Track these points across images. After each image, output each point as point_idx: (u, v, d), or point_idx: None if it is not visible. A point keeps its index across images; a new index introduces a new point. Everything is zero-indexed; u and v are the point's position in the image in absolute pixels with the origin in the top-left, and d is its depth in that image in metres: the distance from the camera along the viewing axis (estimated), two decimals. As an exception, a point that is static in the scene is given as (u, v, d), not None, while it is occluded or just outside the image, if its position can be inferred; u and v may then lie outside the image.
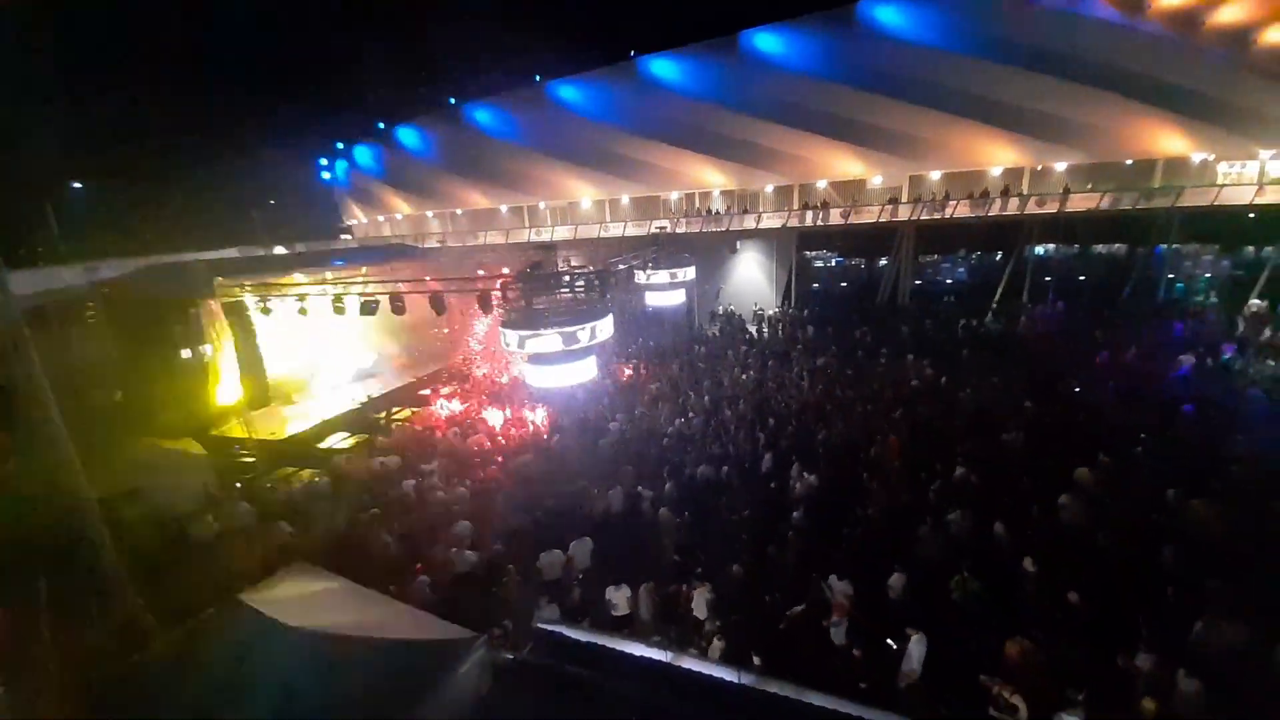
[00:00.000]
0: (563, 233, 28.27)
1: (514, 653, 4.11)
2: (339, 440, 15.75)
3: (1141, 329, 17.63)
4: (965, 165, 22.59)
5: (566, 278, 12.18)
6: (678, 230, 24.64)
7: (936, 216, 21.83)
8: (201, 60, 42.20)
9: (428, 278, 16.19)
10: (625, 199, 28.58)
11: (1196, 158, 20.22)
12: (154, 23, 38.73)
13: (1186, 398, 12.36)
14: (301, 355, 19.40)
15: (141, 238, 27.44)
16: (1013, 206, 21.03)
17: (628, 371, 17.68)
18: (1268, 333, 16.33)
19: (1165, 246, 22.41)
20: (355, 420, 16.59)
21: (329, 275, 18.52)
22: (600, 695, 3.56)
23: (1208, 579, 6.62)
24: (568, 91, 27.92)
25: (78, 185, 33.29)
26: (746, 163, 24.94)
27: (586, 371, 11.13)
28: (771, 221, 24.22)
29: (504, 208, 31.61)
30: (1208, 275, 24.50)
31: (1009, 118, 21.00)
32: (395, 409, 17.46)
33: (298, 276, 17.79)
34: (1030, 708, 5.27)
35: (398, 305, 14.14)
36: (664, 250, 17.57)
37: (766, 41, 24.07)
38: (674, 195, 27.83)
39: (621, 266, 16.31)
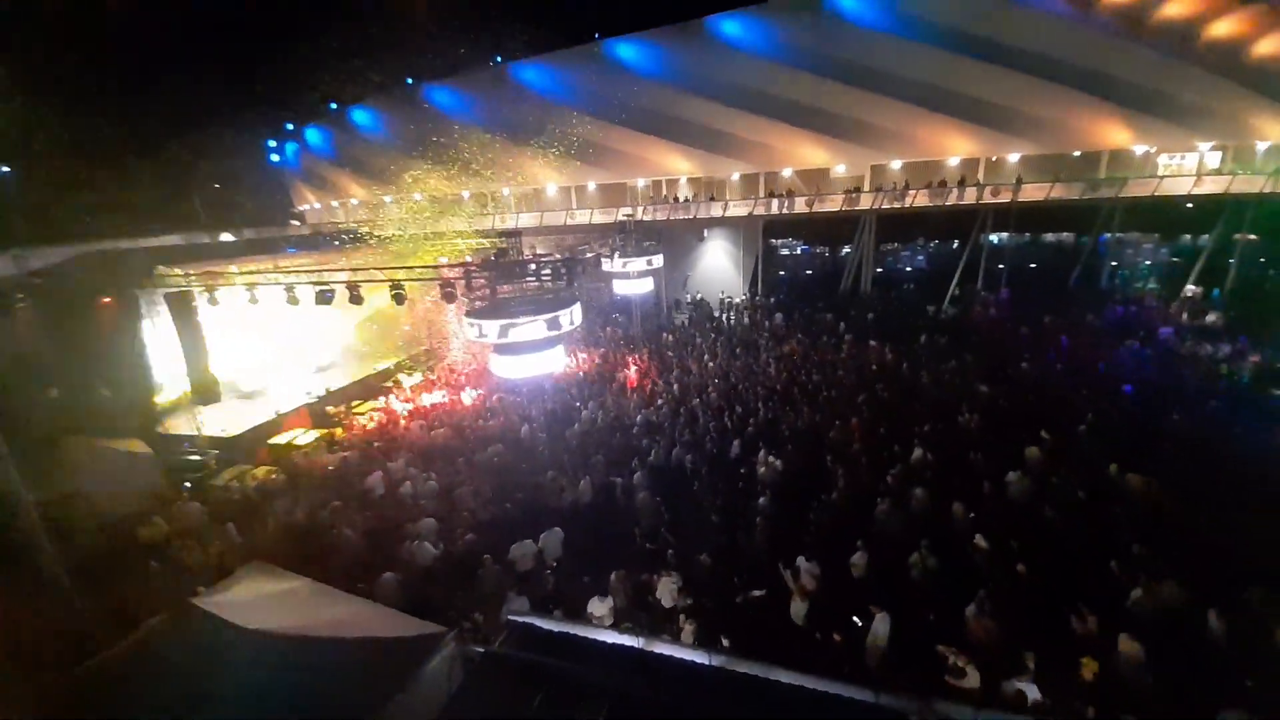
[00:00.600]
0: (528, 220, 27.79)
1: (485, 646, 4.06)
2: (296, 435, 15.22)
3: (1087, 314, 18.53)
4: (924, 155, 23.13)
5: (532, 266, 11.98)
6: (645, 218, 24.54)
7: (897, 205, 22.34)
8: (139, 33, 39.50)
9: (382, 267, 15.68)
10: (591, 185, 28.25)
11: (1139, 150, 21.19)
12: (83, -8, 36.03)
13: (1127, 378, 13.07)
14: (253, 347, 18.62)
15: (74, 224, 25.75)
16: (969, 196, 21.68)
17: (596, 361, 17.61)
18: (1202, 317, 17.38)
19: (1109, 235, 23.52)
20: (314, 414, 16.04)
21: (280, 263, 17.74)
22: (573, 684, 3.56)
23: (1144, 548, 7.06)
24: (530, 74, 27.30)
25: (4, 169, 30.96)
26: (713, 150, 24.94)
27: (554, 361, 11.02)
28: (738, 209, 24.36)
29: (465, 194, 30.84)
30: (1148, 263, 25.91)
31: (965, 109, 21.56)
32: (355, 402, 16.97)
33: (247, 265, 16.99)
34: (983, 672, 5.53)
35: (355, 295, 13.68)
36: (631, 238, 17.47)
37: (732, 27, 24.00)
38: (641, 182, 27.65)
39: (589, 254, 16.16)
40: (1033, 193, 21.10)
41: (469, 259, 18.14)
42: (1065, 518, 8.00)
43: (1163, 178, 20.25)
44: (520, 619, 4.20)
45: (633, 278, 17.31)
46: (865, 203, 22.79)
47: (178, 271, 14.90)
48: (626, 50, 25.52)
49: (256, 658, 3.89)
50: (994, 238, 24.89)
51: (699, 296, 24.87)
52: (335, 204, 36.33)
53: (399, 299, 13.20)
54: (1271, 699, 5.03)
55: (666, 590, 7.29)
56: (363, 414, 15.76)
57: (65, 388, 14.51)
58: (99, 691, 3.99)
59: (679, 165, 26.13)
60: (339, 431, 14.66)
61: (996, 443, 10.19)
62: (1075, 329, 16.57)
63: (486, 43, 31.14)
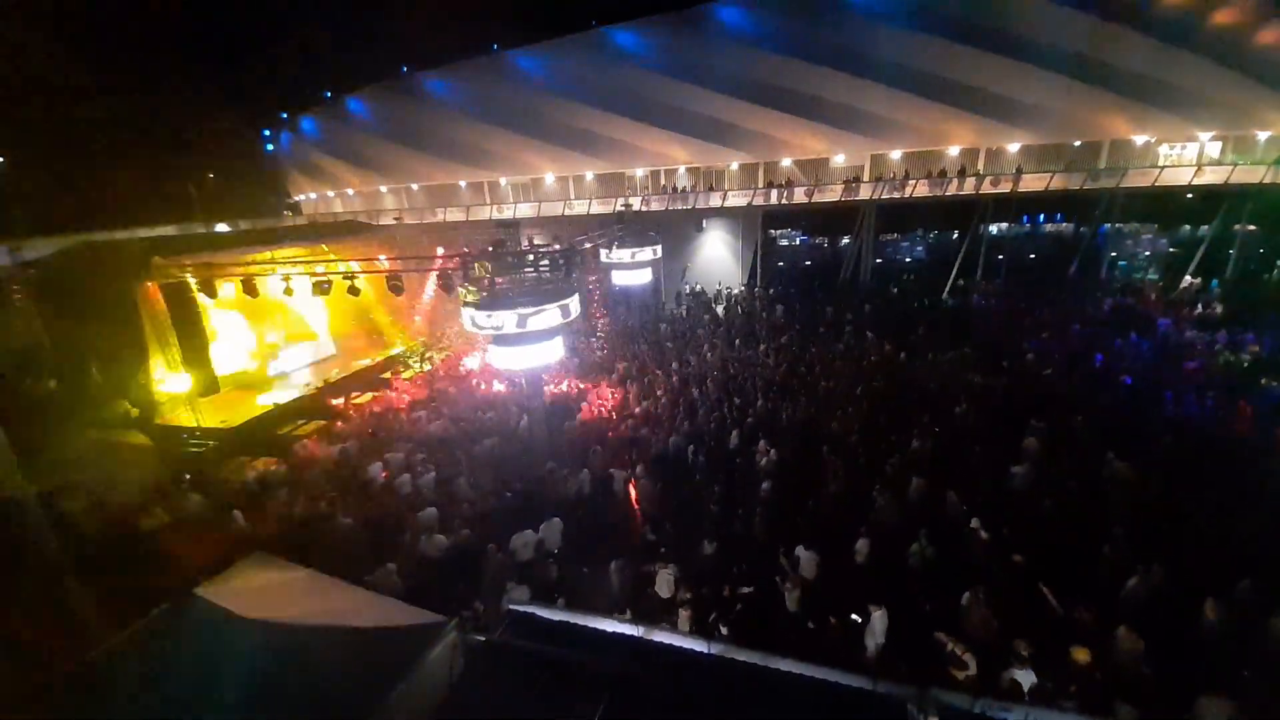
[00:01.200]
0: (525, 210, 27.65)
1: (485, 635, 4.09)
2: (296, 426, 15.24)
3: (1085, 304, 18.53)
4: (924, 144, 23.02)
5: (531, 257, 11.93)
6: (643, 208, 24.42)
7: (896, 195, 22.25)
8: (134, 22, 39.00)
9: (384, 257, 15.64)
10: (589, 175, 28.08)
11: (1139, 140, 21.10)
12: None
13: (1124, 369, 13.10)
14: (253, 339, 18.60)
15: (69, 215, 25.56)
16: (969, 186, 21.60)
17: (596, 352, 17.60)
18: (1200, 308, 17.38)
19: (1109, 225, 23.47)
20: (313, 406, 16.05)
21: (278, 254, 17.64)
22: (573, 672, 3.58)
23: (1138, 537, 7.11)
24: (527, 62, 27.02)
25: (-1, 159, 30.73)
26: (711, 139, 24.78)
27: (553, 352, 11.01)
28: (737, 199, 24.24)
29: (463, 183, 30.67)
30: (1147, 253, 25.88)
31: (965, 98, 21.43)
32: (355, 393, 16.97)
33: (243, 255, 16.88)
34: (980, 661, 5.59)
35: (353, 286, 13.65)
36: (630, 228, 17.39)
37: (731, 15, 23.75)
38: (639, 172, 27.49)
39: (587, 245, 16.09)
40: (1032, 183, 21.03)
41: (466, 250, 18.07)
42: (1062, 507, 8.05)
43: (1163, 168, 20.18)
44: (520, 608, 4.23)
45: (631, 268, 17.25)
46: (864, 193, 22.71)
47: (175, 262, 14.80)
48: (624, 38, 25.26)
49: (258, 647, 3.91)
50: (994, 228, 24.82)
51: (698, 287, 24.81)
52: (331, 194, 36.10)
53: (396, 290, 13.17)
54: (1264, 687, 5.10)
55: (664, 581, 7.34)
56: (362, 405, 15.76)
57: (64, 379, 14.49)
58: (101, 681, 4.01)
59: (677, 155, 25.99)
60: (340, 424, 14.67)
61: (994, 434, 10.23)
62: (1074, 320, 16.57)
63: (482, 31, 30.78)
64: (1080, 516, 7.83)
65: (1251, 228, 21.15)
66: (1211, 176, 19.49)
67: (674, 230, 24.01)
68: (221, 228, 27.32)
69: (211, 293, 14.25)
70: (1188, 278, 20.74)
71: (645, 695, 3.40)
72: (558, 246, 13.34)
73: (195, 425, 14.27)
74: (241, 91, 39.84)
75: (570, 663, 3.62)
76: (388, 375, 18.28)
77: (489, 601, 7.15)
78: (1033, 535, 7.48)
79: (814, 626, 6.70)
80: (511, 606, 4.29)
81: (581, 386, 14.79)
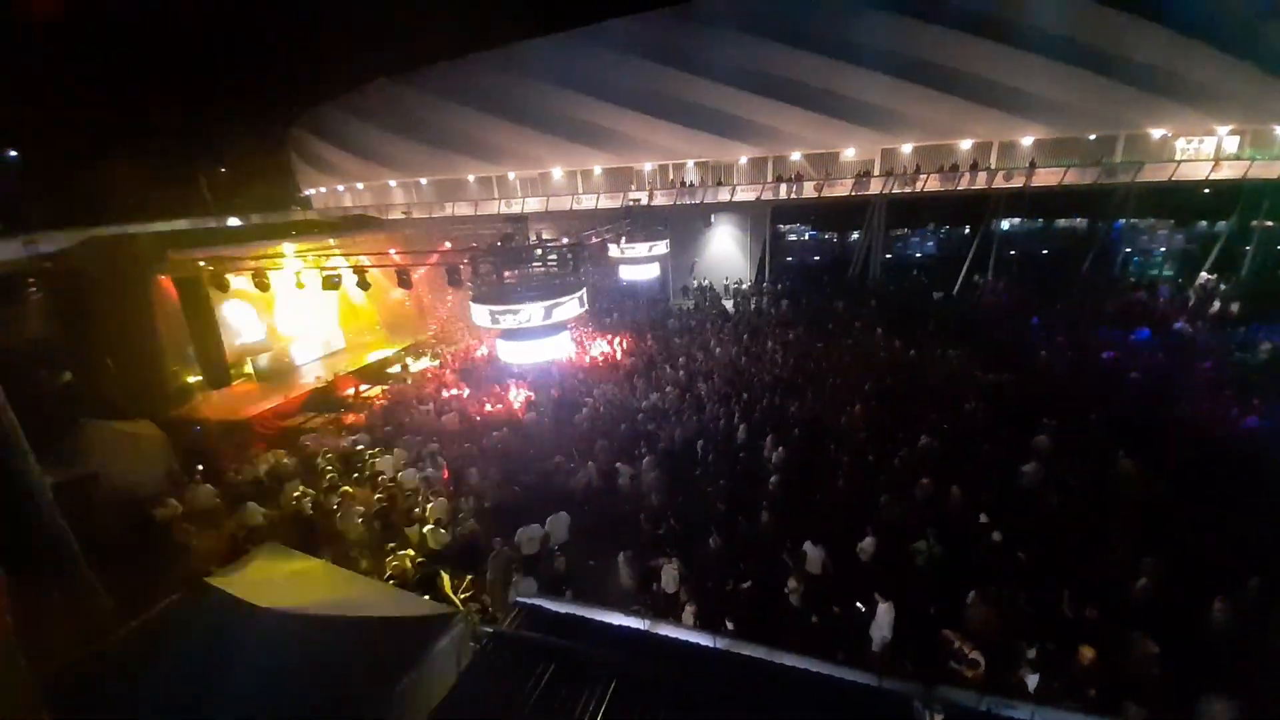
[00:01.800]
0: (534, 204, 27.65)
1: (493, 626, 4.13)
2: (307, 419, 15.37)
3: (1099, 301, 18.32)
4: (935, 138, 22.76)
5: (539, 251, 11.95)
6: (651, 203, 24.35)
7: (907, 190, 22.04)
8: (145, 18, 39.25)
9: (393, 251, 15.70)
10: (597, 170, 28.03)
11: (1156, 134, 20.76)
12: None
13: (1136, 367, 12.95)
14: (264, 331, 18.75)
15: (83, 209, 25.85)
16: (980, 181, 21.35)
17: (603, 347, 17.62)
18: (1216, 305, 17.13)
19: (1124, 221, 23.14)
20: (323, 398, 16.19)
21: (289, 248, 17.76)
22: (579, 664, 3.62)
23: (1147, 537, 7.05)
24: (535, 56, 26.95)
25: (13, 153, 31.05)
26: (720, 133, 24.63)
27: (560, 347, 11.04)
28: (745, 194, 24.11)
29: (471, 178, 30.70)
30: (1162, 249, 25.50)
31: (978, 91, 21.15)
32: (364, 386, 17.10)
33: (254, 250, 17.02)
34: (986, 659, 5.57)
35: (362, 280, 13.73)
36: (637, 223, 17.36)
37: (740, 7, 23.56)
38: (647, 166, 27.39)
39: (595, 239, 16.08)
40: (1046, 177, 20.75)
41: (475, 244, 18.13)
42: (1071, 506, 7.99)
43: (1179, 162, 19.85)
44: (528, 600, 4.27)
45: (639, 263, 17.24)
46: (875, 187, 22.50)
47: (187, 256, 14.95)
48: (631, 31, 25.13)
49: (270, 636, 3.97)
50: (1006, 223, 24.53)
51: (705, 282, 24.75)
52: (341, 188, 36.25)
53: (405, 285, 13.24)
54: (1272, 686, 5.05)
55: (669, 576, 7.37)
56: (373, 397, 15.88)
57: (78, 371, 14.69)
58: (116, 668, 4.09)
59: (686, 149, 25.85)
60: (350, 416, 14.79)
61: (1003, 431, 10.15)
62: (1087, 317, 16.39)
63: (491, 25, 30.72)
64: (1089, 515, 7.77)
65: (1269, 224, 20.79)
66: (1229, 171, 19.16)
67: (682, 225, 23.96)
68: (233, 221, 27.54)
69: (223, 286, 14.39)
70: (1203, 274, 20.45)
71: (651, 688, 3.42)
72: (565, 241, 13.36)
73: (207, 417, 14.43)
74: (253, 85, 40.05)
75: (577, 655, 3.66)
76: (398, 368, 18.40)
77: (496, 594, 7.22)
78: (1041, 534, 7.44)
79: (819, 621, 6.71)
80: (519, 599, 4.33)
81: (589, 380, 14.80)
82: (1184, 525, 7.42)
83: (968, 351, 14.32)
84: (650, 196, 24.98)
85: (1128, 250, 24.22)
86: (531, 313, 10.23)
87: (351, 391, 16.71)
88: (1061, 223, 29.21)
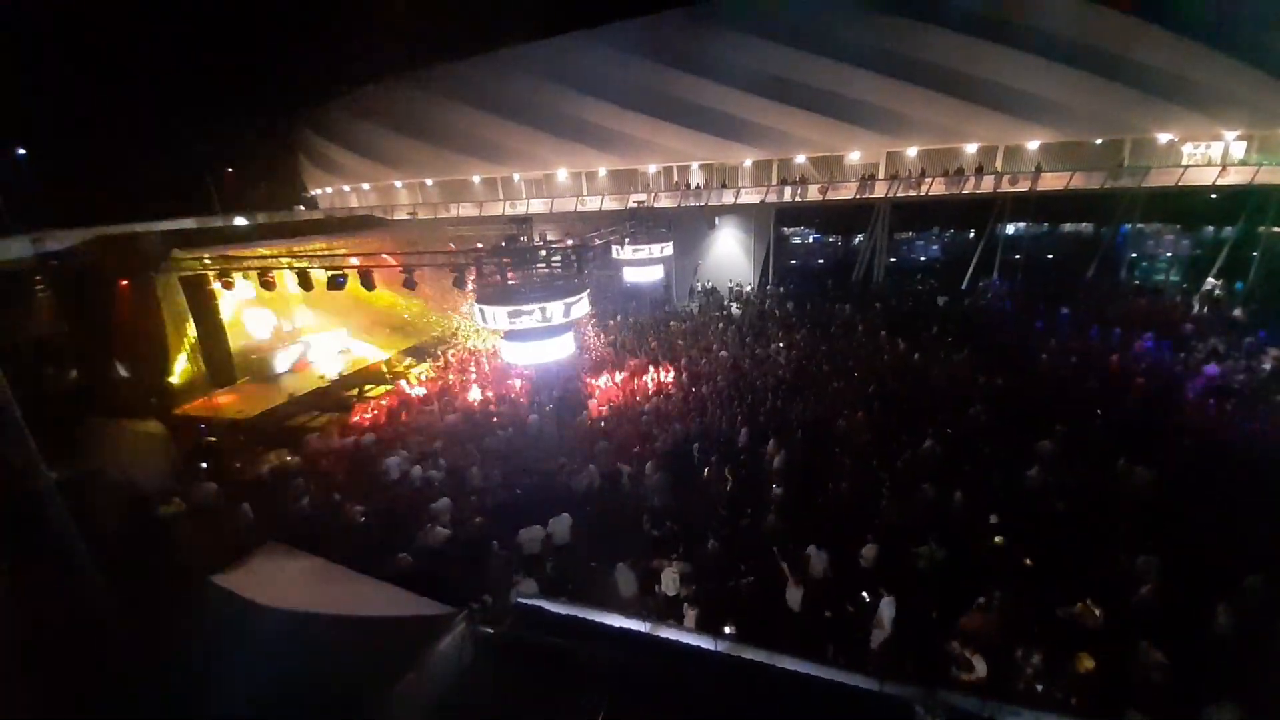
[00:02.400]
0: (538, 205, 27.70)
1: (494, 627, 4.14)
2: (311, 418, 15.42)
3: (1104, 306, 18.24)
4: (940, 141, 22.71)
5: (543, 252, 11.97)
6: (655, 204, 24.37)
7: (912, 193, 22.00)
8: (152, 17, 39.51)
9: (394, 253, 15.72)
10: (602, 171, 28.07)
11: (1162, 138, 20.68)
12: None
13: (1144, 372, 12.88)
14: (268, 330, 18.82)
15: (90, 208, 26.00)
16: (986, 184, 21.30)
17: (606, 348, 17.62)
18: (1223, 311, 17.04)
19: (1130, 226, 23.06)
20: (327, 398, 16.24)
21: (294, 248, 17.83)
22: (580, 665, 3.62)
23: (1154, 543, 7.01)
24: (541, 57, 27.02)
25: (21, 152, 31.26)
26: (725, 136, 24.63)
27: (564, 348, 11.05)
28: (750, 196, 24.11)
29: (477, 178, 30.78)
30: (1169, 254, 25.40)
31: (983, 94, 21.10)
32: (368, 386, 17.14)
33: (260, 249, 17.09)
34: (988, 664, 5.55)
35: (367, 280, 13.76)
36: (642, 225, 17.37)
37: (745, 9, 23.59)
38: (652, 168, 27.42)
39: (599, 241, 16.10)
40: (1052, 181, 20.69)
41: (479, 245, 18.15)
42: (1074, 511, 7.95)
43: (1186, 167, 19.76)
44: (529, 601, 4.28)
45: (643, 265, 17.24)
46: (879, 190, 22.46)
47: (194, 255, 15.03)
48: (638, 33, 25.18)
49: (273, 634, 3.98)
50: (1011, 227, 24.46)
51: (709, 285, 24.75)
52: (346, 188, 36.40)
53: (410, 285, 13.27)
54: (1275, 691, 5.01)
55: (669, 579, 7.36)
56: (376, 398, 15.91)
57: (84, 369, 14.77)
58: (121, 665, 4.11)
59: (690, 151, 25.86)
60: (353, 416, 14.83)
61: (1007, 436, 10.12)
62: (1092, 321, 16.32)
63: (497, 25, 30.84)
64: (1093, 521, 7.73)
65: (1276, 229, 20.68)
66: (1236, 177, 19.06)
67: (686, 227, 23.97)
68: (239, 221, 27.68)
69: (229, 285, 14.46)
70: (1210, 280, 20.35)
71: (651, 690, 3.42)
72: (570, 242, 13.38)
73: (211, 415, 14.49)
74: (259, 85, 40.26)
75: (577, 656, 3.66)
76: (402, 368, 18.45)
77: (497, 594, 7.22)
78: (1044, 538, 7.40)
79: (820, 624, 6.69)
80: (520, 600, 4.34)
81: (592, 381, 14.81)
82: (1189, 530, 7.38)
83: (972, 355, 14.28)
84: (654, 198, 25.00)
85: (1134, 255, 24.12)
86: (536, 314, 10.24)
87: (355, 391, 16.75)
88: (1067, 227, 29.14)
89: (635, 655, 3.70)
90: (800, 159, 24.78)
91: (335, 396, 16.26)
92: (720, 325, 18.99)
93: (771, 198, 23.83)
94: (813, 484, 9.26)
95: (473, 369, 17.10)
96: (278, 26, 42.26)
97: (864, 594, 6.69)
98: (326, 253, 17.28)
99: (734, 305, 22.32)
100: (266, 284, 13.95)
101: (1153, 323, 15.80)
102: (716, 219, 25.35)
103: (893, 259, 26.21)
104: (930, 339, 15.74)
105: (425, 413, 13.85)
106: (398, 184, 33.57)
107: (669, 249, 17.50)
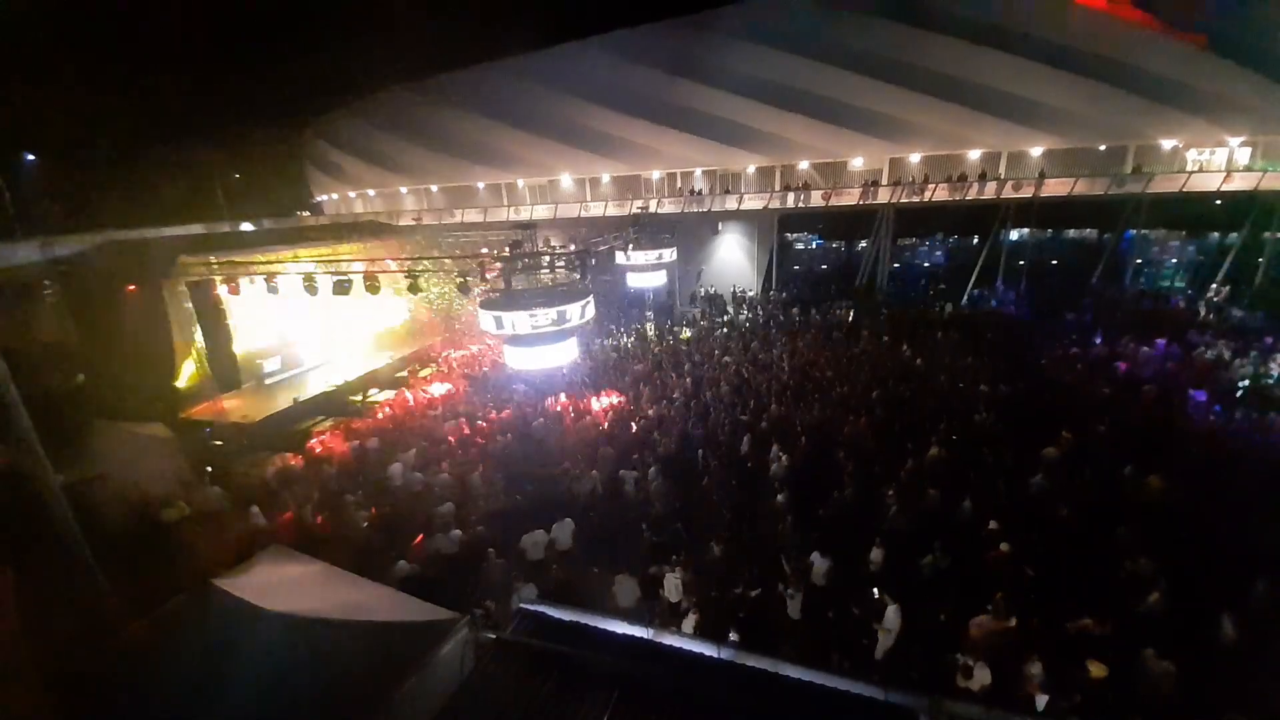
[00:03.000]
0: (542, 211, 27.82)
1: (496, 632, 4.12)
2: (315, 423, 15.46)
3: (1109, 312, 18.16)
4: (944, 148, 22.73)
5: (547, 258, 12.02)
6: (659, 210, 24.44)
7: (915, 199, 22.00)
8: (162, 26, 39.97)
9: (398, 258, 15.81)
10: (606, 177, 28.19)
11: (1167, 144, 20.65)
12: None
13: (1150, 380, 12.80)
14: (274, 335, 18.90)
15: (99, 213, 26.24)
16: (989, 190, 21.29)
17: (610, 354, 17.62)
18: (1228, 316, 16.94)
19: (1134, 232, 22.98)
20: (331, 403, 16.28)
21: (300, 253, 17.94)
22: (583, 672, 3.60)
23: (1159, 551, 6.95)
24: (545, 64, 27.23)
25: (31, 157, 31.60)
26: (728, 142, 24.74)
27: (567, 353, 11.06)
28: (753, 202, 24.16)
29: (481, 185, 30.96)
30: (1173, 261, 25.30)
31: (987, 101, 21.13)
32: (372, 391, 17.18)
33: (267, 255, 17.20)
34: (993, 672, 5.50)
35: (372, 285, 13.83)
36: (645, 230, 17.42)
37: (748, 17, 23.72)
38: (655, 174, 27.53)
39: (602, 247, 16.14)
40: (1056, 187, 20.66)
41: (484, 251, 18.23)
42: (1079, 519, 7.89)
43: (1190, 173, 19.72)
44: (531, 607, 4.27)
45: (646, 270, 17.27)
46: (883, 196, 22.48)
47: (201, 260, 15.13)
48: (642, 41, 25.35)
49: (275, 638, 3.99)
50: (1014, 234, 24.41)
51: (713, 290, 24.76)
52: (352, 194, 36.65)
53: (414, 290, 13.34)
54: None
55: (672, 585, 7.33)
56: (380, 403, 15.95)
57: (91, 373, 14.85)
58: (122, 667, 4.12)
59: (694, 157, 25.97)
60: (357, 421, 14.86)
61: (1012, 441, 10.06)
62: (1097, 328, 16.24)
63: (502, 33, 31.10)
64: (1098, 528, 7.67)
65: (1282, 235, 20.58)
66: (1240, 183, 19.00)
67: (690, 233, 24.01)
68: (246, 227, 27.85)
69: (235, 291, 14.55)
70: (1215, 286, 20.25)
71: (653, 696, 3.40)
72: (574, 248, 13.42)
73: (217, 420, 14.54)
74: (267, 93, 40.60)
75: (579, 661, 3.64)
76: (405, 374, 18.49)
77: (499, 600, 7.20)
78: (1049, 546, 7.34)
79: (824, 629, 6.65)
80: (522, 605, 4.33)
81: (595, 386, 14.80)
82: (1196, 538, 7.31)
83: (976, 362, 14.23)
84: (658, 204, 25.08)
85: (1138, 261, 24.03)
86: (539, 319, 10.26)
87: (360, 396, 16.79)
88: (1071, 233, 29.07)
89: (639, 661, 3.68)
90: (803, 165, 24.84)
91: (340, 401, 16.30)
92: (723, 330, 18.98)
93: (775, 203, 23.87)
94: (816, 490, 9.22)
95: (476, 373, 17.13)
96: (287, 35, 42.68)
97: (871, 596, 6.63)
98: (332, 258, 17.39)
99: (737, 310, 22.32)
100: (272, 289, 14.04)
101: (1159, 329, 15.71)
102: (720, 225, 25.41)
103: (896, 265, 26.16)
104: (934, 345, 15.68)
105: (429, 418, 13.87)
106: (403, 190, 33.79)
107: (672, 254, 17.53)
